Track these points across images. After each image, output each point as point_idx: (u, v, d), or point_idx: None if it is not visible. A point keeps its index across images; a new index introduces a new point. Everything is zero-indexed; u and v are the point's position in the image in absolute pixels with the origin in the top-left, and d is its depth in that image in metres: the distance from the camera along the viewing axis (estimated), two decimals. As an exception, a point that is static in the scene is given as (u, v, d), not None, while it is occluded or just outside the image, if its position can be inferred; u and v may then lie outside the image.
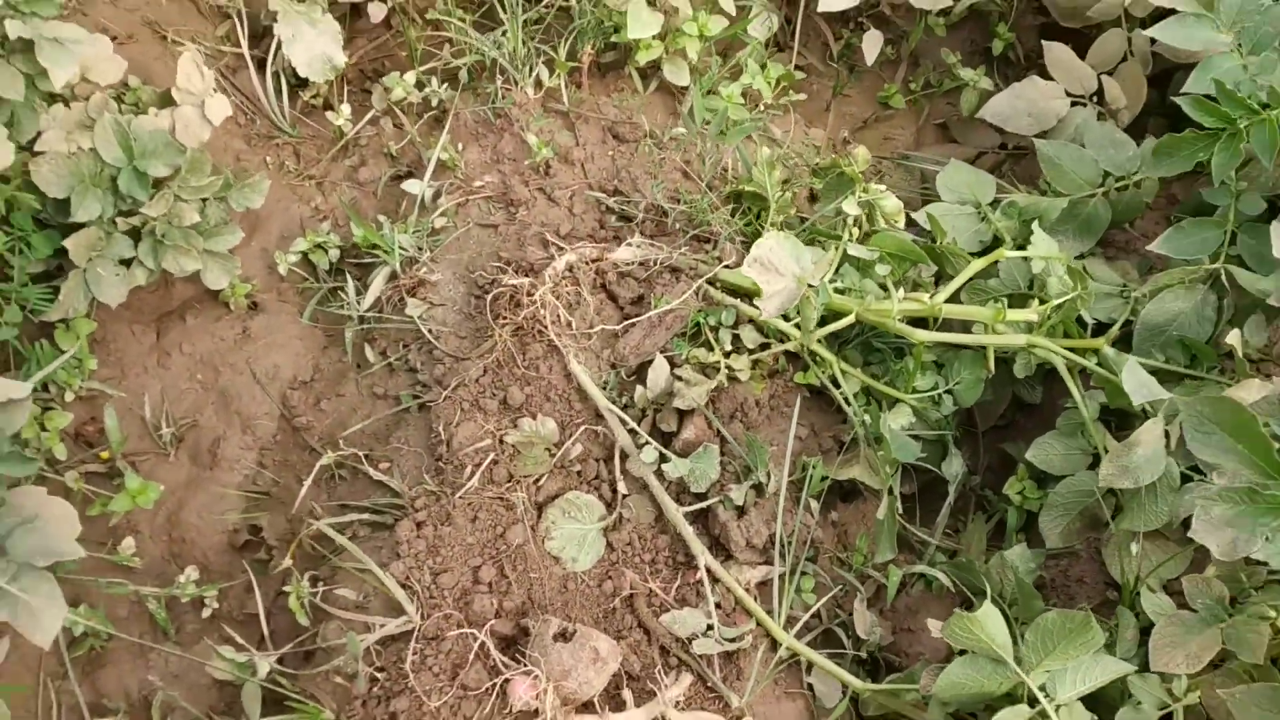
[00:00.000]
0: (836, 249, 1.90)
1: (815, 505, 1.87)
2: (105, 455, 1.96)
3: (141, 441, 2.02)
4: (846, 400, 1.93)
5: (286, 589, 1.77)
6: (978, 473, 2.13)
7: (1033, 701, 1.51)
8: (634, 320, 1.91)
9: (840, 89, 2.64)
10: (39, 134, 1.85)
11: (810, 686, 1.76)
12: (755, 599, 1.77)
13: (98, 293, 1.92)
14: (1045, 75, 2.47)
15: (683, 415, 1.87)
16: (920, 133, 2.65)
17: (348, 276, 2.13)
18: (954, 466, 2.02)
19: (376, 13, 2.51)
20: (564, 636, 1.63)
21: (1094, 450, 1.92)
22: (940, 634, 1.55)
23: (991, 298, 2.04)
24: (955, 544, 2.02)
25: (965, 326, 1.97)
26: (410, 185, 2.18)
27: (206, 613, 1.90)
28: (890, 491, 1.83)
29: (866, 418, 1.92)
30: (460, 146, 2.25)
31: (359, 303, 2.07)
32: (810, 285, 1.79)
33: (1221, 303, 1.98)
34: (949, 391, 1.98)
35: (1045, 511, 1.94)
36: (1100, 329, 2.03)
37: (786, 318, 1.88)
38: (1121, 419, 1.98)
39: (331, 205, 2.30)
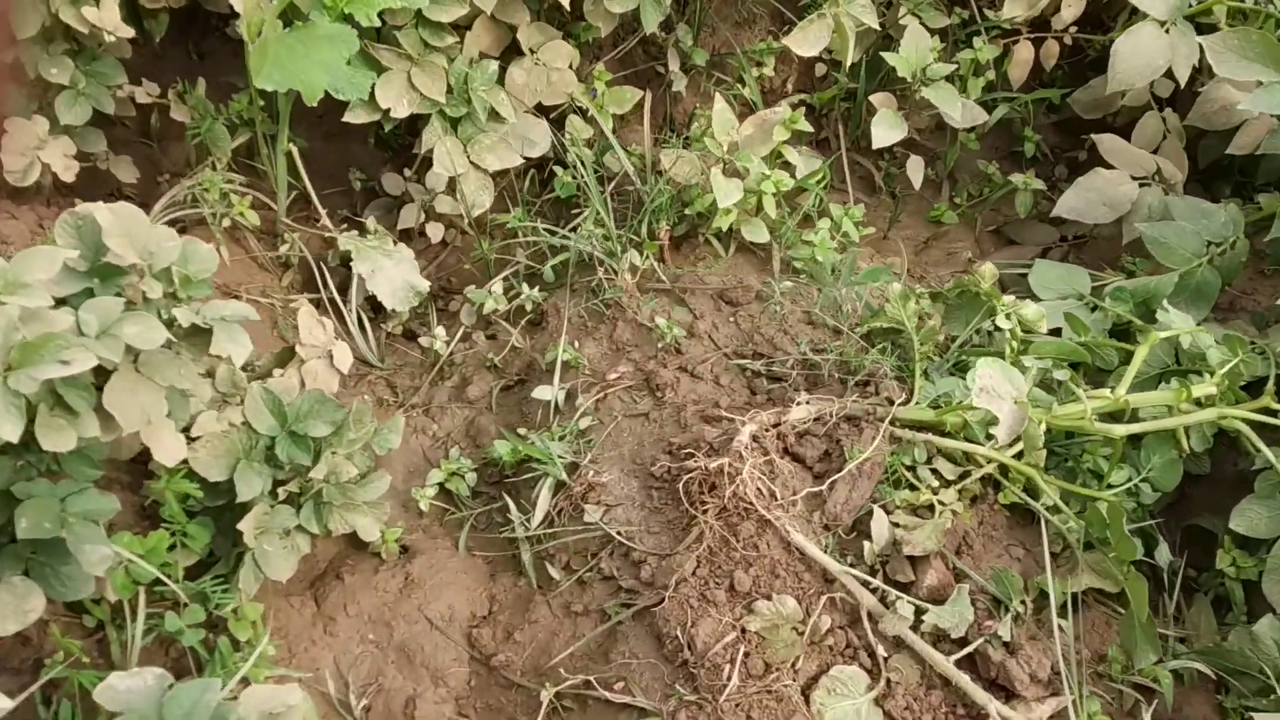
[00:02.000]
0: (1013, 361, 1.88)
1: (1068, 626, 1.79)
2: (303, 745, 1.77)
3: (329, 719, 1.85)
4: (1056, 509, 1.89)
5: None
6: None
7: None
8: (835, 478, 1.85)
9: (897, 217, 2.69)
10: (193, 419, 1.72)
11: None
12: (1051, 736, 1.68)
13: (269, 571, 1.77)
14: (1077, 167, 2.57)
15: (915, 562, 1.80)
16: (979, 242, 2.71)
17: (504, 497, 2.02)
18: (1164, 554, 1.98)
19: (435, 233, 2.48)
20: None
21: (1298, 506, 1.92)
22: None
23: (1153, 381, 2.05)
24: (1183, 631, 1.96)
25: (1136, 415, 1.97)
26: (541, 392, 2.11)
27: None
28: (1139, 598, 1.77)
29: (1073, 524, 1.88)
30: (576, 344, 2.19)
31: (528, 521, 1.96)
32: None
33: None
34: (1145, 480, 1.96)
35: (1268, 577, 1.91)
36: (1251, 388, 2.05)
37: (989, 437, 1.85)
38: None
39: (448, 429, 2.21)
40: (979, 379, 1.74)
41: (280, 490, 1.80)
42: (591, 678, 1.76)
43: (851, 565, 1.80)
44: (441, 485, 2.10)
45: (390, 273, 2.28)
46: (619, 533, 1.88)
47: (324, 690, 1.85)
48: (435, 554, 2.02)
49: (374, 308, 2.38)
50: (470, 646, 1.92)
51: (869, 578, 1.78)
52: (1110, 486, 1.93)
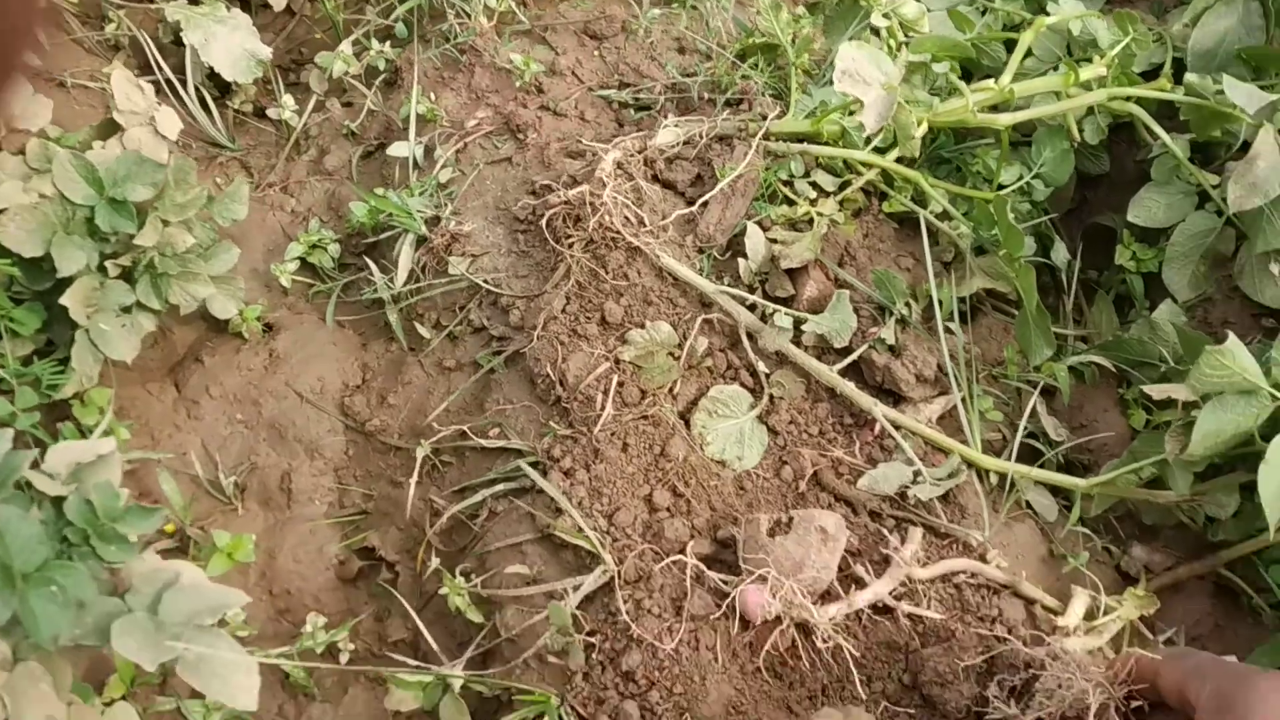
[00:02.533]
0: (894, 57, 1.75)
1: (956, 327, 1.71)
2: (171, 528, 1.69)
3: (201, 504, 1.76)
4: (945, 215, 1.79)
5: (438, 591, 1.54)
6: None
7: (1295, 423, 1.40)
8: (706, 197, 1.73)
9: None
10: (-5, 192, 1.57)
11: (1028, 504, 1.61)
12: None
13: (109, 350, 1.65)
14: None
15: (794, 275, 1.70)
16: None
17: (368, 261, 1.90)
18: (1061, 253, 1.90)
19: (278, 2, 2.28)
20: (780, 526, 1.44)
21: (1197, 189, 1.83)
22: (1190, 380, 1.41)
23: (1041, 72, 1.93)
24: (1083, 330, 1.90)
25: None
26: (397, 149, 1.96)
27: (344, 659, 1.66)
28: (1028, 289, 1.69)
29: (964, 229, 1.79)
30: (432, 96, 2.03)
31: (392, 282, 1.84)
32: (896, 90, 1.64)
33: (1266, 6, 1.91)
34: (1037, 176, 1.86)
35: (1167, 265, 1.84)
36: (1148, 76, 1.94)
37: (869, 141, 1.73)
38: (1205, 158, 1.90)
39: (308, 204, 2.07)
40: (840, 62, 1.60)
41: (111, 266, 1.67)
42: (466, 427, 1.67)
43: (728, 286, 1.70)
44: (303, 259, 1.97)
45: (226, 41, 2.09)
46: (486, 281, 1.77)
47: (192, 473, 1.76)
48: (301, 329, 1.90)
49: (219, 87, 2.19)
50: (344, 416, 1.82)
51: (747, 295, 1.68)
52: (1001, 187, 1.82)
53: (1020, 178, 1.85)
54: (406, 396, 1.79)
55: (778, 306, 1.65)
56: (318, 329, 1.90)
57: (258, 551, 1.73)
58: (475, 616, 1.53)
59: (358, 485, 1.78)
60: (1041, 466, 1.65)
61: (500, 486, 1.60)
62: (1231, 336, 1.39)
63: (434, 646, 1.56)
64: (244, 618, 1.62)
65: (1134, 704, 1.33)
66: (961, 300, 1.77)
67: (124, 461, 1.69)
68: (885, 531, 1.54)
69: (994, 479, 1.60)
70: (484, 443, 1.64)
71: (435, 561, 1.58)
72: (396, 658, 1.53)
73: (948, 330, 1.69)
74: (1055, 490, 1.66)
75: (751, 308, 1.68)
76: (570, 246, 1.69)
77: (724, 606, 1.42)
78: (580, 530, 1.45)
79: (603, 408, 1.57)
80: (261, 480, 1.78)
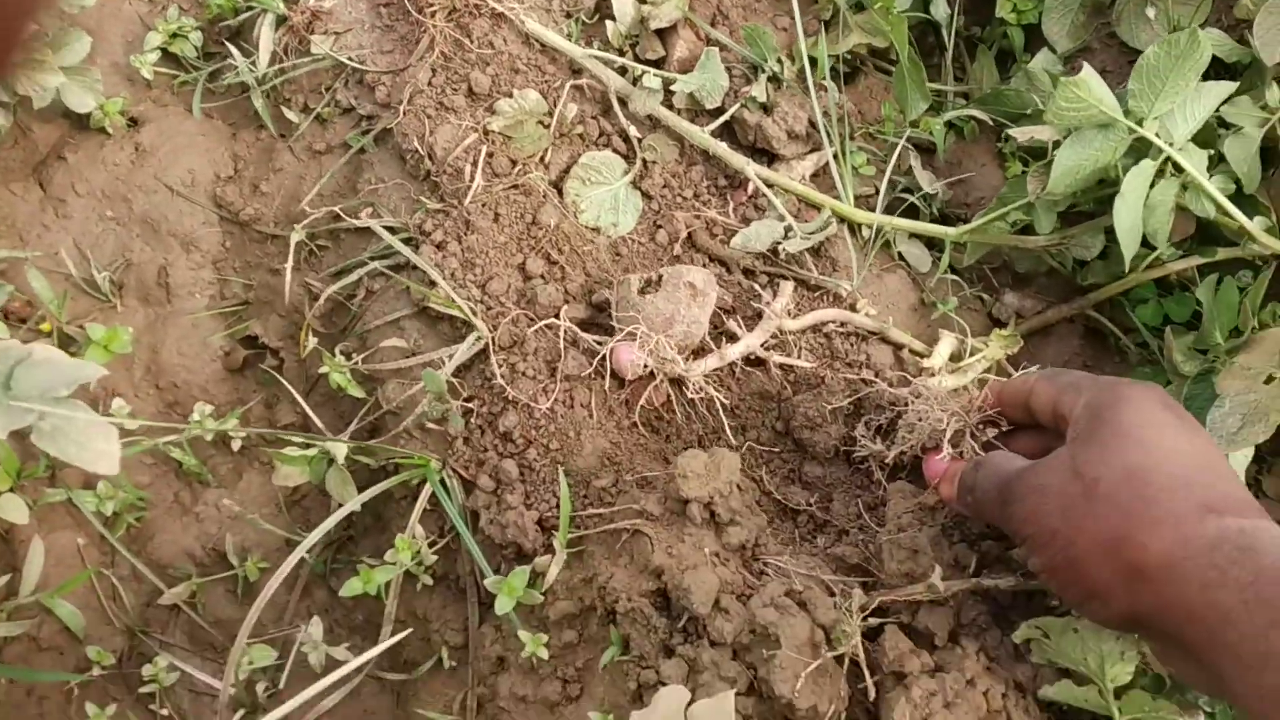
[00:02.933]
0: None
1: (830, 84, 1.69)
2: (46, 326, 1.67)
3: (78, 303, 1.73)
4: (819, -31, 1.75)
5: (321, 371, 1.55)
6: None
7: (1152, 155, 1.41)
8: (571, -42, 1.67)
9: None
10: None
11: (900, 255, 1.63)
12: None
13: (-44, 144, 1.59)
14: None
15: (664, 36, 1.66)
16: None
17: (230, 47, 1.82)
18: (941, 7, 1.87)
19: None
20: (650, 285, 1.46)
21: (1075, -67, 1.79)
22: (1048, 115, 1.41)
23: None
24: (964, 87, 1.88)
25: None
26: (252, -76, 1.86)
27: (236, 445, 1.68)
28: (900, 40, 1.67)
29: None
30: None
31: (254, 64, 1.77)
32: None
33: None
34: (914, -73, 1.81)
35: (1046, 16, 1.81)
36: None
37: (734, -110, 1.67)
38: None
39: (165, -11, 1.97)
40: None
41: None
42: (338, 209, 1.65)
43: (597, 50, 1.66)
44: (164, 50, 1.88)
45: None
46: (350, 58, 1.71)
47: (66, 273, 1.72)
48: (167, 121, 1.84)
49: None
50: (218, 207, 1.78)
51: (616, 58, 1.65)
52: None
53: (898, -71, 1.80)
54: (279, 184, 1.75)
55: (647, 69, 1.62)
56: (184, 121, 1.84)
57: (141, 347, 1.72)
58: (357, 393, 1.55)
59: (237, 276, 1.76)
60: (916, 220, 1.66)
61: (375, 265, 1.59)
62: (1086, 67, 1.39)
63: (320, 425, 1.58)
64: (129, 410, 1.63)
65: (993, 430, 1.38)
66: (838, 58, 1.74)
67: (-9, 261, 1.66)
68: (758, 288, 1.56)
69: (866, 233, 1.62)
70: (357, 223, 1.62)
71: (313, 341, 1.58)
72: (285, 436, 1.55)
73: (821, 88, 1.67)
74: (931, 244, 1.68)
75: (622, 71, 1.65)
76: (433, 16, 1.63)
77: (596, 364, 1.44)
78: (453, 301, 1.45)
79: (472, 179, 1.55)
80: (138, 276, 1.75)
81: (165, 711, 1.54)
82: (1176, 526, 0.92)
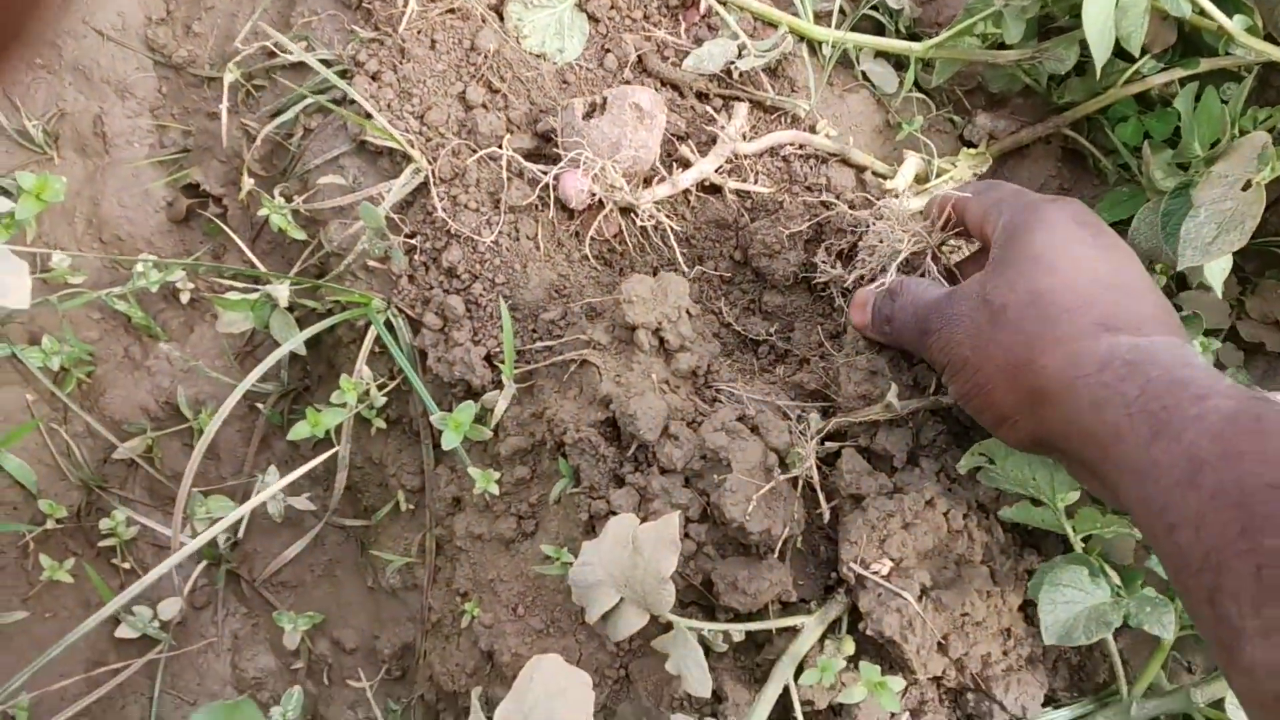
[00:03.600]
0: None
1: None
2: (-21, 180, 1.61)
3: (12, 156, 1.66)
4: None
5: (263, 215, 1.49)
6: None
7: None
8: None
9: None
10: None
11: (864, 75, 1.55)
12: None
13: None
14: None
15: None
16: None
17: (147, -123, 1.72)
18: None
19: None
20: (595, 109, 1.38)
21: None
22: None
23: None
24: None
25: None
26: None
27: (185, 298, 1.63)
28: None
29: None
30: None
31: (178, -106, 1.67)
32: None
33: None
34: None
35: None
36: None
37: None
38: None
39: None
40: None
41: None
42: (271, 43, 1.57)
43: None
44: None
45: None
46: (277, -117, 1.60)
47: (-3, 125, 1.65)
48: (93, -38, 1.74)
49: None
50: (151, 51, 1.70)
51: None
52: None
53: None
54: (211, 23, 1.67)
55: (588, -122, 1.52)
56: (110, -38, 1.74)
57: (81, 200, 1.66)
58: (299, 235, 1.49)
59: (175, 122, 1.68)
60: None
61: (310, 100, 1.52)
62: None
63: (263, 270, 1.53)
64: (69, 263, 1.58)
65: (957, 253, 1.33)
66: None
67: (-89, 113, 1.59)
68: (712, 111, 1.48)
69: (827, 50, 1.53)
70: (290, 58, 1.54)
71: (250, 183, 1.52)
72: (230, 284, 1.50)
73: (779, -103, 1.57)
74: (899, 66, 1.60)
75: (563, -116, 1.54)
76: None
77: (540, 192, 1.38)
78: (389, 133, 1.38)
79: (405, 5, 1.47)
80: (73, 126, 1.68)
81: (127, 565, 1.53)
82: (1072, 346, 0.91)
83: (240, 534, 1.54)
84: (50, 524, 1.47)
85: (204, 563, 1.54)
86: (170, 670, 1.51)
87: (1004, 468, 1.14)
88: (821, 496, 1.19)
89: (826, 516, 1.19)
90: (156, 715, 1.48)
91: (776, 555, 1.18)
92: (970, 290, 1.01)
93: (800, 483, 1.20)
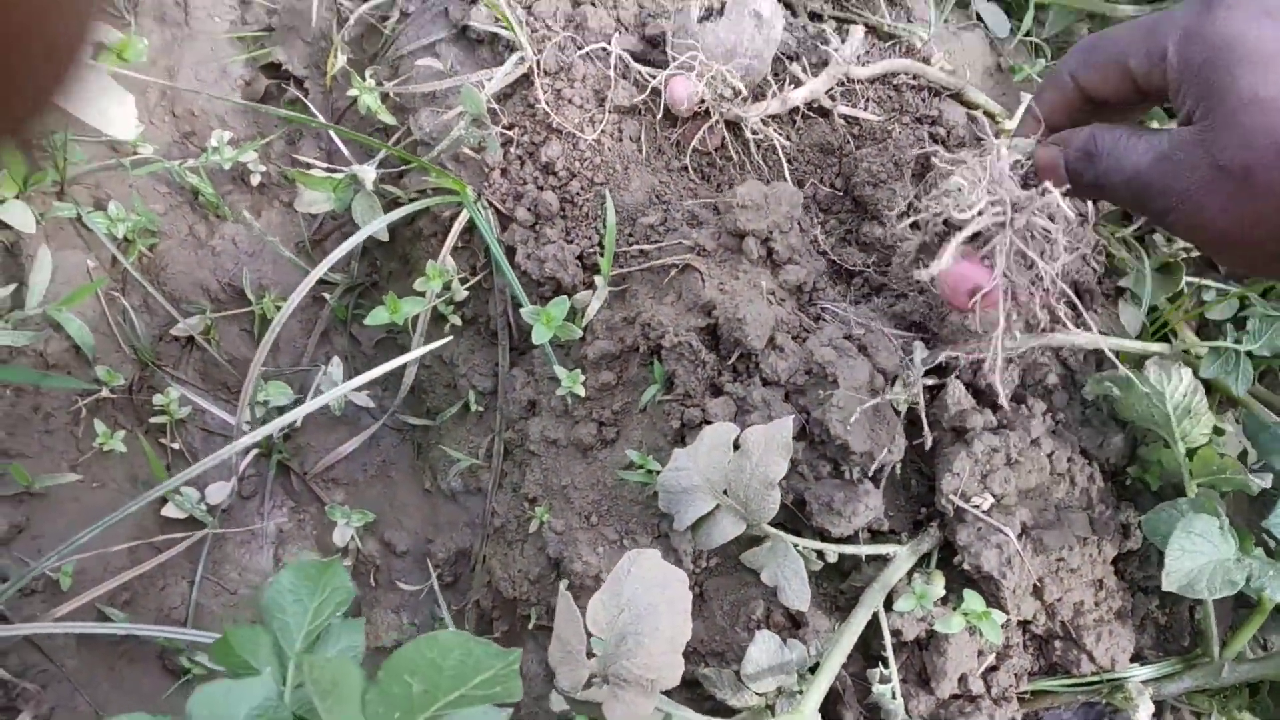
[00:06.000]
0: None
1: None
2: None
3: (89, 18, 1.60)
4: None
5: (349, 98, 1.44)
6: None
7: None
8: None
9: None
10: None
11: (979, 16, 1.51)
12: (893, -65, 1.48)
13: None
14: None
15: None
16: None
17: None
18: None
19: None
20: (713, 13, 1.34)
21: None
22: None
23: None
24: None
25: None
26: None
27: (255, 180, 1.57)
28: None
29: None
30: None
31: None
32: None
33: None
34: None
35: None
36: None
37: None
38: None
39: None
40: None
41: None
42: (372, -75, 1.51)
43: None
44: None
45: None
46: None
47: (75, -16, 1.59)
48: None
49: None
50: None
51: None
52: None
53: None
54: (308, -101, 1.61)
55: None
56: None
57: (156, 70, 1.60)
58: (388, 119, 1.44)
59: None
60: (997, -23, 1.53)
61: (410, -18, 1.47)
62: None
63: (347, 155, 1.48)
64: (141, 130, 1.52)
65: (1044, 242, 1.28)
66: None
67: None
68: (827, 31, 1.43)
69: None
70: (392, -62, 1.48)
71: (342, 61, 1.46)
72: (309, 161, 1.45)
73: None
74: (1010, 12, 1.56)
75: None
76: None
77: (648, 95, 1.33)
78: (500, 10, 1.33)
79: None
80: (153, -7, 1.62)
81: (176, 445, 1.48)
82: None
83: (296, 424, 1.49)
84: (105, 392, 1.42)
85: (255, 452, 1.49)
86: (212, 557, 1.46)
87: (1127, 397, 1.10)
88: (925, 426, 1.14)
89: (929, 444, 1.15)
90: (195, 600, 1.43)
91: (872, 481, 1.14)
92: (1194, 156, 0.84)
93: (902, 412, 1.15)
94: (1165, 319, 1.34)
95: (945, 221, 1.06)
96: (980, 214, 0.97)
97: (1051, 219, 0.95)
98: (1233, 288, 1.44)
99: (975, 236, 1.00)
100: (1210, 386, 1.23)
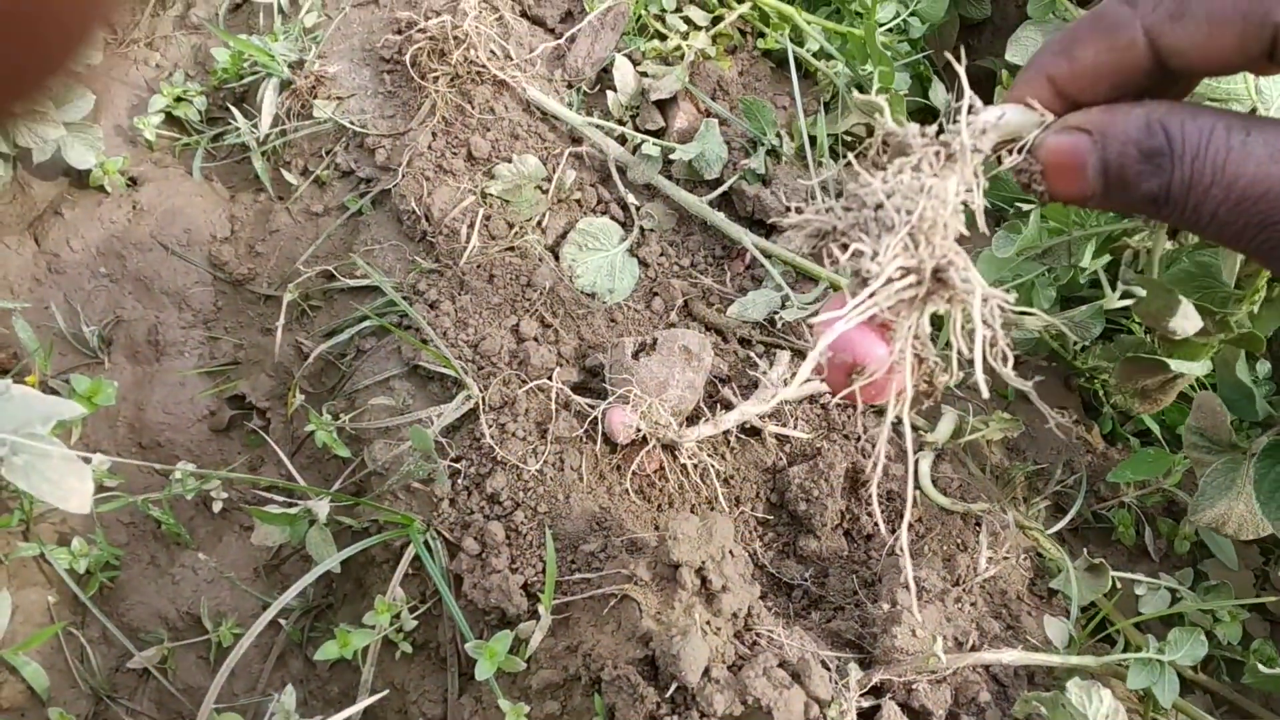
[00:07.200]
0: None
1: (828, 161, 1.70)
2: (32, 379, 1.64)
3: (65, 358, 1.71)
4: (825, 54, 1.77)
5: (308, 431, 1.52)
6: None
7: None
8: (575, 30, 1.69)
9: None
10: None
11: (898, 332, 1.62)
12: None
13: (-47, 194, 1.58)
14: None
15: (664, 108, 1.68)
16: None
17: (233, 110, 1.84)
18: (940, 93, 1.89)
19: None
20: (645, 349, 1.44)
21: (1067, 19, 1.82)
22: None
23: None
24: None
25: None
26: (261, -7, 1.89)
27: (217, 507, 1.63)
28: (895, 103, 1.68)
29: (842, 67, 1.77)
30: (297, -59, 1.95)
31: (256, 127, 1.78)
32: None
33: None
34: (914, 14, 1.84)
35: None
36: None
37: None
38: (1081, -5, 1.89)
39: (174, 58, 1.99)
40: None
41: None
42: (332, 268, 1.64)
43: (598, 120, 1.67)
44: (169, 114, 1.90)
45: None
46: (352, 122, 1.72)
47: (54, 328, 1.70)
48: (167, 182, 1.84)
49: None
50: (212, 267, 1.77)
51: (616, 127, 1.66)
52: (881, 24, 1.80)
53: (896, 15, 1.83)
54: (275, 245, 1.75)
55: (647, 138, 1.63)
56: (184, 182, 1.84)
57: (126, 405, 1.69)
58: (343, 452, 1.51)
59: (228, 336, 1.74)
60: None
61: (368, 323, 1.57)
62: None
63: (303, 484, 1.54)
64: (109, 465, 1.59)
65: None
66: (836, 138, 1.75)
67: (-21, 312, 1.64)
68: (755, 357, 1.54)
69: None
70: (351, 282, 1.61)
71: (301, 398, 1.55)
72: (268, 496, 1.51)
73: (820, 164, 1.67)
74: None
75: (621, 140, 1.65)
76: (435, 82, 1.65)
77: (587, 426, 1.41)
78: (445, 358, 1.43)
79: (468, 240, 1.55)
80: (128, 333, 1.73)
81: (126, 783, 1.48)
82: None
83: (249, 756, 1.49)
84: (56, 735, 1.42)
85: (207, 785, 1.48)
86: None
87: (1054, 716, 1.13)
88: (862, 753, 1.16)
89: (867, 775, 1.16)
90: None
91: (815, 812, 1.14)
92: None
93: (840, 736, 1.18)
94: (1104, 615, 1.38)
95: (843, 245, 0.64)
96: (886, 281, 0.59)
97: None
98: (1162, 582, 1.49)
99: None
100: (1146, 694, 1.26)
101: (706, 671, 1.19)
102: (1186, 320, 1.17)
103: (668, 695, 1.21)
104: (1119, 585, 1.44)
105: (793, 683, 1.18)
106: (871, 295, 0.57)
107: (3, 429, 1.10)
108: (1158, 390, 1.38)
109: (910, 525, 1.41)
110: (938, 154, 0.59)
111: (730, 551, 1.29)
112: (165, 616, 1.57)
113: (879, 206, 0.58)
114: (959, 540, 1.43)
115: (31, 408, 1.12)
